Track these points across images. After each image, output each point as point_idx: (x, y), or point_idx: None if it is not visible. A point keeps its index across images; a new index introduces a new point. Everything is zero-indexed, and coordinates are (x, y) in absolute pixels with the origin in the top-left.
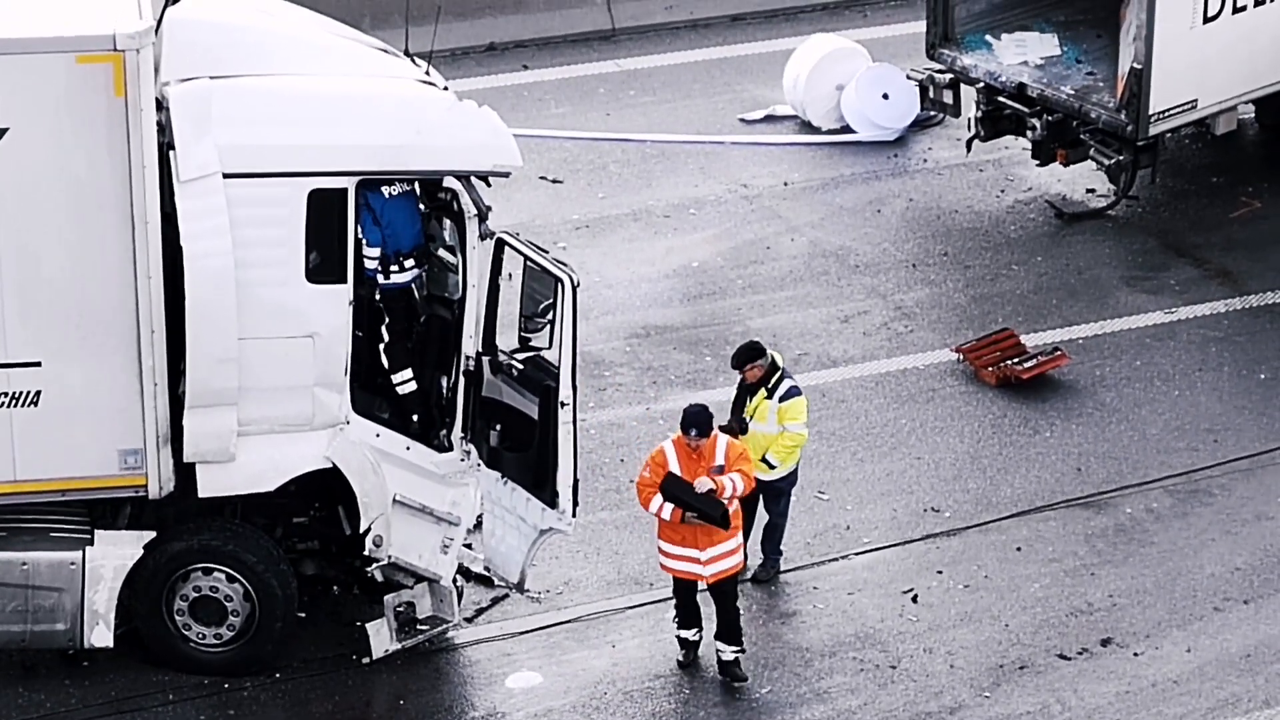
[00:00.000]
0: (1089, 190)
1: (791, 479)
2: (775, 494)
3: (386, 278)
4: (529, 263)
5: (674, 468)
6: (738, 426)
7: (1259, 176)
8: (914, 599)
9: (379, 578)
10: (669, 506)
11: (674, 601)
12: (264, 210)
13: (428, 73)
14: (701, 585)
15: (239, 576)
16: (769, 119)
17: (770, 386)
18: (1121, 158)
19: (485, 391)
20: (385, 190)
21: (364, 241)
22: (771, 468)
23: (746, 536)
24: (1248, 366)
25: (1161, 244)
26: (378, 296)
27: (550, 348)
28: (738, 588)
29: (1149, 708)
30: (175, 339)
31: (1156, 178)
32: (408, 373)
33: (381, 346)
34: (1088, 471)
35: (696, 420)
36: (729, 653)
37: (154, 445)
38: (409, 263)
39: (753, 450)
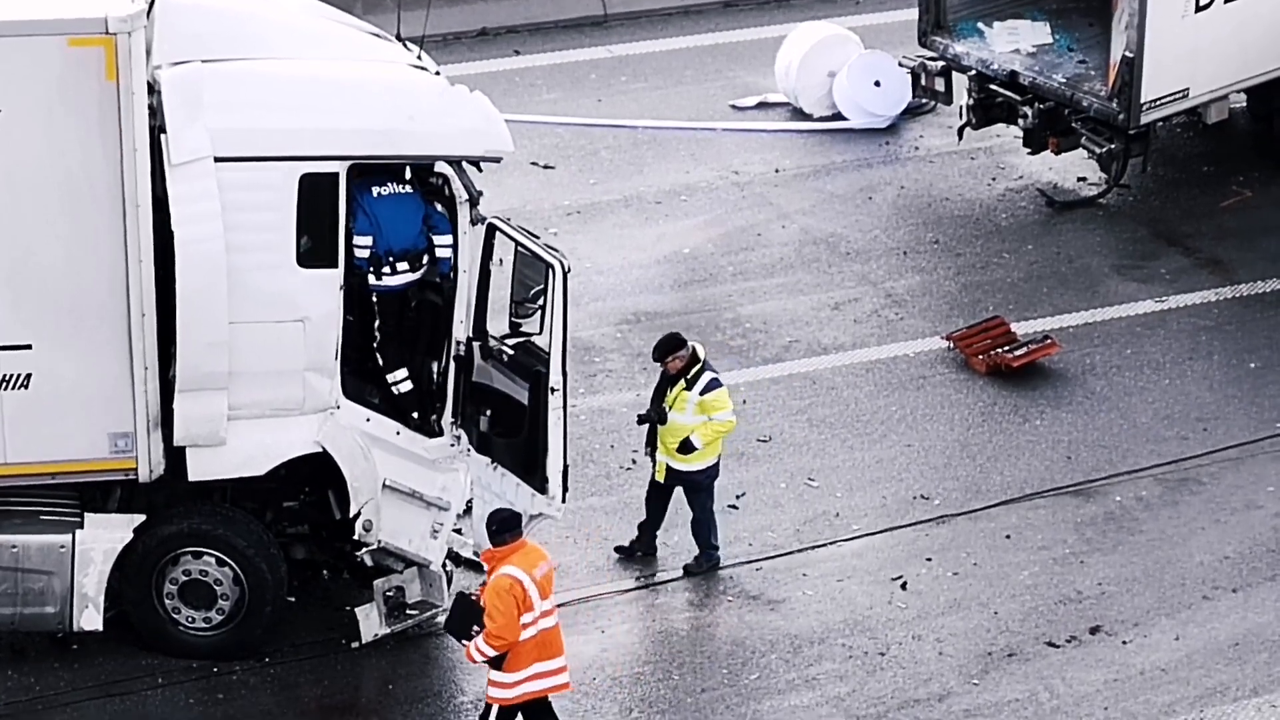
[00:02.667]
0: (1080, 179)
1: (711, 472)
2: (694, 487)
3: (379, 278)
4: (520, 248)
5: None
6: (656, 416)
7: (1250, 166)
8: (903, 586)
9: (368, 562)
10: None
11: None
12: (255, 194)
13: (420, 58)
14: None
15: (229, 560)
16: (761, 106)
17: (690, 378)
18: (1113, 146)
19: (475, 377)
20: (375, 189)
21: (353, 230)
22: (690, 450)
23: (655, 529)
24: (1238, 355)
25: (1152, 233)
26: (374, 299)
27: (541, 333)
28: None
29: (1137, 696)
30: (166, 323)
31: (1148, 166)
32: (403, 372)
33: (375, 345)
34: (1077, 459)
35: (488, 524)
36: None
37: (144, 429)
38: (402, 265)
39: (671, 438)
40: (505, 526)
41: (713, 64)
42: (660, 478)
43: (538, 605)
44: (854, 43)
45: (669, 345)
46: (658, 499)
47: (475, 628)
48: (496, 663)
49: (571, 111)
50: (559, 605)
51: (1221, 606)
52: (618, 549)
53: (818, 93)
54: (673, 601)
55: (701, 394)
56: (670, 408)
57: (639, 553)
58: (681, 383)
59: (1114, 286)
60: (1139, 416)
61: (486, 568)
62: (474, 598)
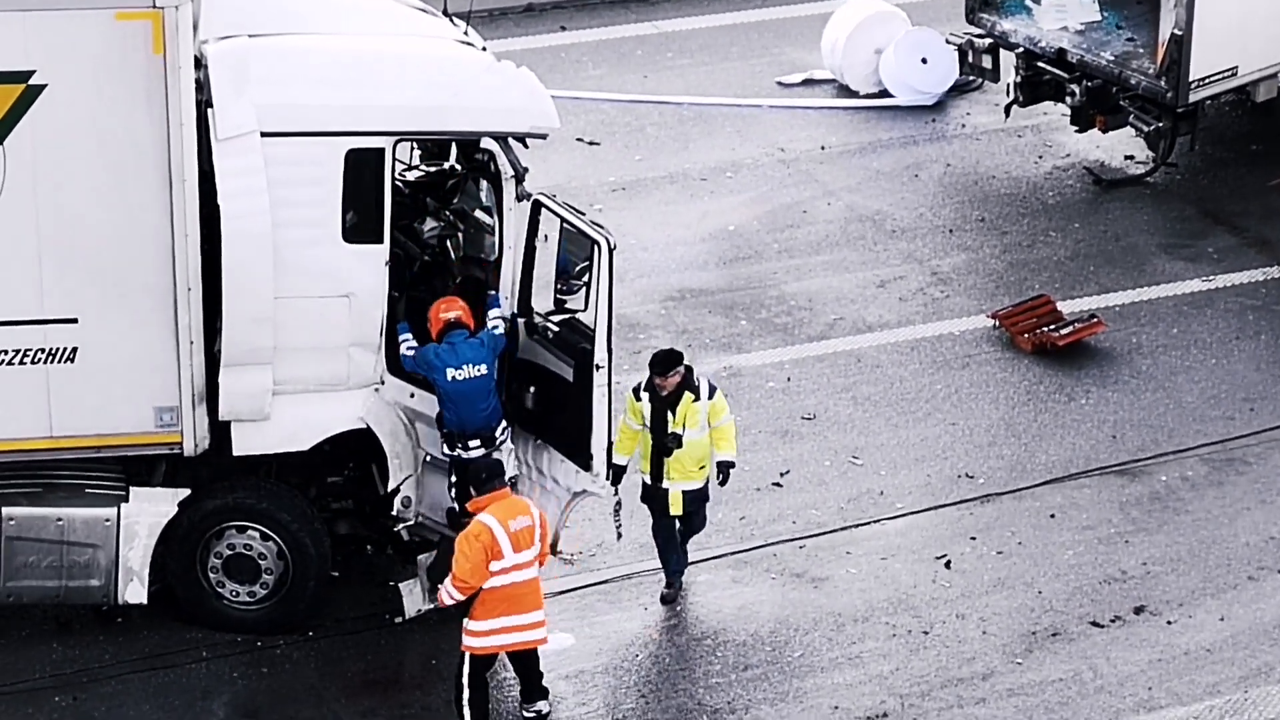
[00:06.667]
0: (1127, 157)
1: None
2: (706, 498)
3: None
4: (565, 225)
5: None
6: (674, 443)
7: None
8: (947, 564)
9: (406, 537)
10: None
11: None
12: (301, 169)
13: (466, 33)
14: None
15: (273, 535)
16: (807, 83)
17: (694, 387)
18: (1161, 124)
19: (520, 353)
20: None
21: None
22: (701, 469)
23: (682, 564)
24: None
25: (1200, 211)
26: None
27: (586, 310)
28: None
29: (1181, 676)
30: (211, 297)
31: (1195, 145)
32: None
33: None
34: (1123, 439)
35: (473, 472)
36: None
37: (189, 403)
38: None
39: (690, 461)
40: (493, 474)
41: (759, 40)
42: (678, 509)
43: (508, 556)
44: (901, 19)
45: (671, 360)
46: (671, 529)
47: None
48: (469, 612)
49: (617, 88)
50: (602, 581)
51: (1267, 587)
52: (664, 599)
53: (864, 70)
54: (716, 579)
55: (710, 398)
56: (684, 429)
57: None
58: (688, 395)
59: (1161, 265)
60: (1185, 396)
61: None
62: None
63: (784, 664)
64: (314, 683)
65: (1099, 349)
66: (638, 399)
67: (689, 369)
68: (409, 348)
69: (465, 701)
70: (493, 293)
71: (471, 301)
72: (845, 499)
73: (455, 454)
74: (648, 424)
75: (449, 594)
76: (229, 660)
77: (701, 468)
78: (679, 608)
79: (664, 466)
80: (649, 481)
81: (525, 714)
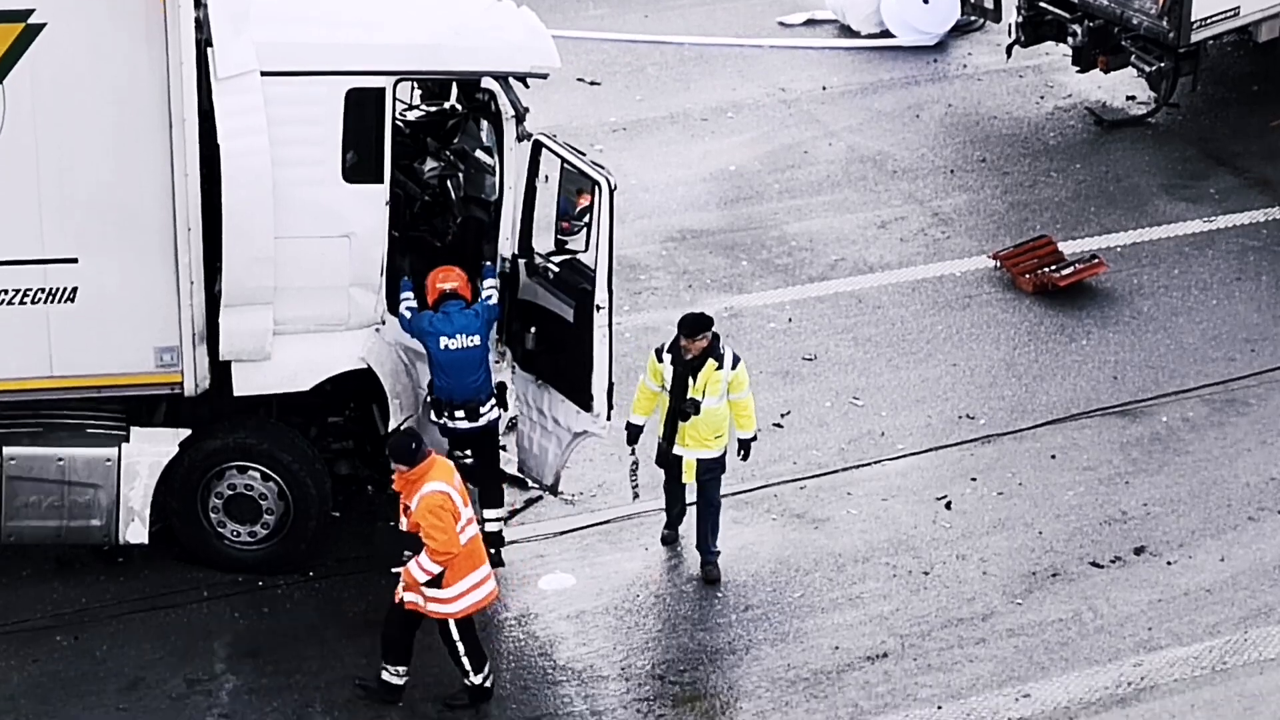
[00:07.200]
0: (1129, 97)
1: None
2: (721, 468)
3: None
4: (566, 165)
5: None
6: (692, 409)
7: None
8: (947, 505)
9: None
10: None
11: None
12: (301, 109)
13: None
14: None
15: (274, 475)
16: (808, 23)
17: (719, 355)
18: (1162, 65)
19: (521, 294)
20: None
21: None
22: (718, 439)
23: (679, 521)
24: None
25: (1201, 152)
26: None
27: (586, 251)
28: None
29: (1181, 616)
30: (212, 237)
31: (1197, 85)
32: None
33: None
34: (1124, 380)
35: (396, 447)
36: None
37: (190, 343)
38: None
39: (707, 429)
40: (421, 442)
41: None
42: (690, 477)
43: (463, 513)
44: None
45: (701, 323)
46: (681, 494)
47: (406, 553)
48: (434, 582)
49: (618, 28)
50: (603, 522)
51: (1267, 528)
52: (665, 540)
53: (866, 9)
54: None
55: (733, 369)
56: (704, 395)
57: (679, 535)
58: (711, 362)
59: (1162, 206)
60: (1186, 337)
61: (402, 494)
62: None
63: (784, 604)
64: (315, 623)
65: (1100, 290)
66: (659, 360)
67: (716, 336)
68: (407, 308)
69: (463, 655)
70: (487, 263)
71: (471, 245)
72: (846, 440)
73: (441, 422)
74: (668, 386)
75: (427, 570)
76: (230, 600)
77: (718, 437)
78: (679, 548)
79: (679, 432)
80: (663, 445)
81: (383, 675)
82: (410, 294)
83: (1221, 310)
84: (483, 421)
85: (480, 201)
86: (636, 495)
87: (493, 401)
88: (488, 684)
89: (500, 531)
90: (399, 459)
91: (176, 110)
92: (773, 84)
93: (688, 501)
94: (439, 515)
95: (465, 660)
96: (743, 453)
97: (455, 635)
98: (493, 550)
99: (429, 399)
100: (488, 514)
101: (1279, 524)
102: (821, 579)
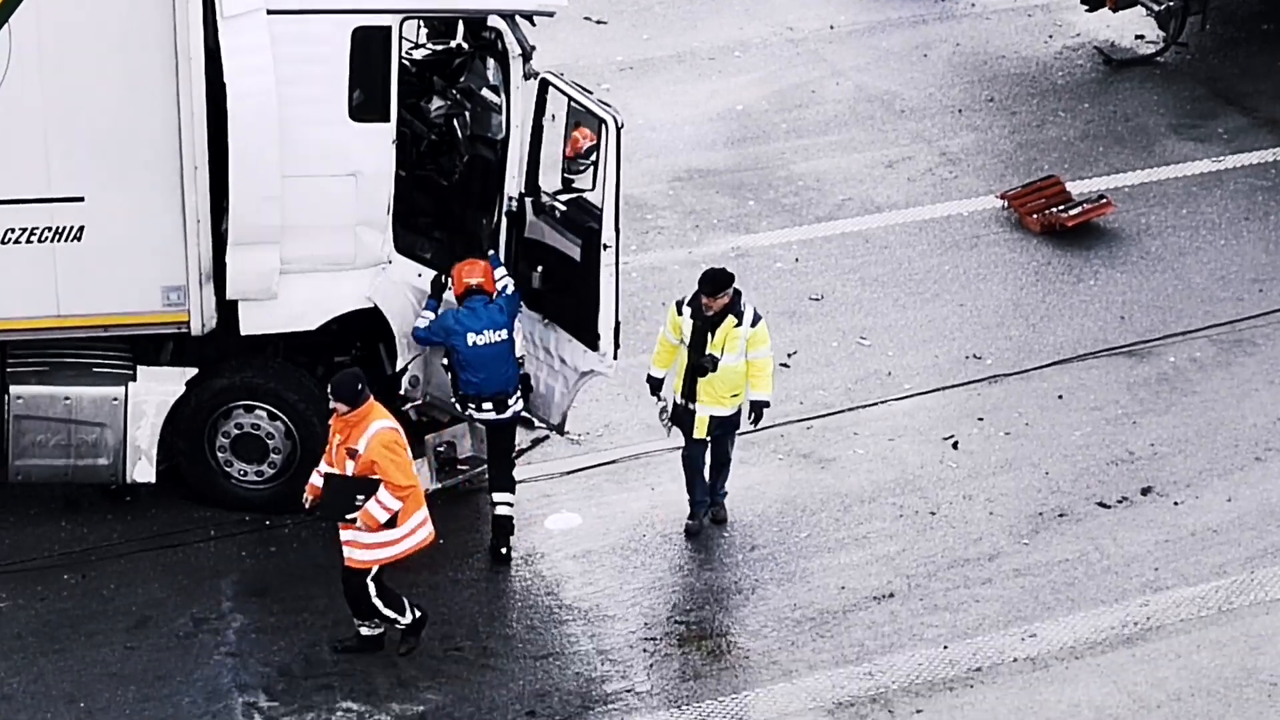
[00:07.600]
0: (1138, 37)
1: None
2: (735, 426)
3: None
4: (573, 104)
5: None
6: (710, 365)
7: None
8: (954, 445)
9: (414, 417)
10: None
11: None
12: (308, 47)
13: None
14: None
15: (280, 414)
16: None
17: (739, 312)
18: (1171, 3)
19: (527, 233)
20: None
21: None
22: (734, 397)
23: (708, 493)
24: None
25: (1210, 92)
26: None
27: (593, 189)
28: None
29: (1188, 556)
30: (219, 176)
31: (1207, 24)
32: None
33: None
34: (1131, 320)
35: (341, 385)
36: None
37: (196, 282)
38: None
39: (724, 386)
40: (365, 382)
41: None
42: (703, 433)
43: (409, 450)
44: None
45: (722, 280)
46: (700, 459)
47: (360, 497)
48: (389, 522)
49: None
50: (609, 462)
51: (1274, 468)
52: (688, 532)
53: None
54: None
55: (753, 326)
56: (722, 352)
57: (708, 521)
58: (731, 319)
59: (1170, 146)
60: (1194, 277)
61: (342, 436)
62: (339, 474)
63: (791, 544)
64: (321, 561)
65: (1108, 230)
66: (679, 313)
67: (737, 293)
68: (424, 321)
69: (382, 608)
70: (492, 252)
71: (478, 183)
72: (852, 380)
73: (467, 414)
74: (686, 341)
75: (388, 507)
76: (237, 539)
77: (734, 396)
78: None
79: (696, 387)
80: (679, 400)
81: (361, 630)
82: (431, 313)
83: (1229, 250)
84: (509, 413)
85: (487, 140)
86: (669, 432)
87: (519, 392)
88: (418, 614)
89: (510, 517)
90: (343, 398)
91: (183, 48)
92: (780, 23)
93: (712, 480)
94: (395, 451)
95: (387, 612)
96: (754, 415)
97: (372, 592)
98: (501, 542)
99: (457, 396)
100: (499, 499)
101: None
102: (828, 519)
